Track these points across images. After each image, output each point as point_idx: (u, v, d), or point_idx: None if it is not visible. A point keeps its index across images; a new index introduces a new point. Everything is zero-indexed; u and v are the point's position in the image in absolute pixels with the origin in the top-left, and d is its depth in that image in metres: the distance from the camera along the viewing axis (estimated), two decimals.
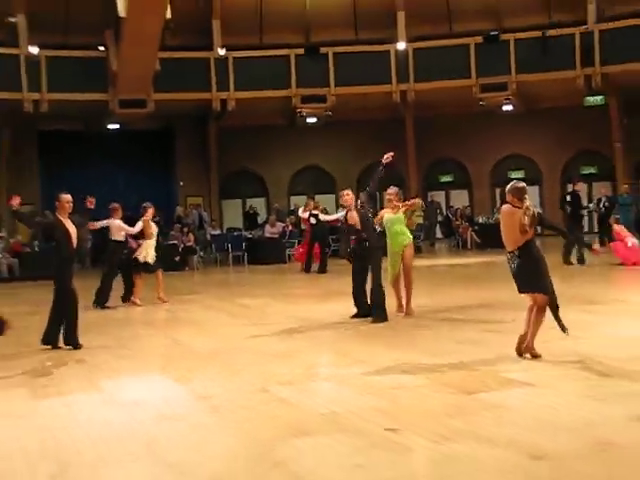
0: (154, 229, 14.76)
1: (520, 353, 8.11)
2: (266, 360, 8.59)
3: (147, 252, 14.44)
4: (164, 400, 7.08)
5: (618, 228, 17.99)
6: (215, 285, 18.57)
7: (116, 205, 14.74)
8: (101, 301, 14.27)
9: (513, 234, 7.98)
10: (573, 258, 17.88)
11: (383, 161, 11.14)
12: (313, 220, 20.04)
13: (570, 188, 19.00)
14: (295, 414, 6.34)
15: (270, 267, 22.36)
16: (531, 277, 8.04)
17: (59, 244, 9.87)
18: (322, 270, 19.66)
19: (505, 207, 8.10)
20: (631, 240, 17.52)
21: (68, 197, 9.93)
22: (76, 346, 9.89)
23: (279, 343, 9.63)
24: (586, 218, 27.26)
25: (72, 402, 7.15)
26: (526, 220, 7.80)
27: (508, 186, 8.14)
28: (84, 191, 26.66)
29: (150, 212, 14.66)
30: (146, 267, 14.50)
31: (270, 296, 14.75)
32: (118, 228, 14.50)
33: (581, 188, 18.46)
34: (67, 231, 9.87)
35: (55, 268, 9.94)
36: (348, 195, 11.48)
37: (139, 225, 14.53)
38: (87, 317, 13.27)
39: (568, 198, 18.26)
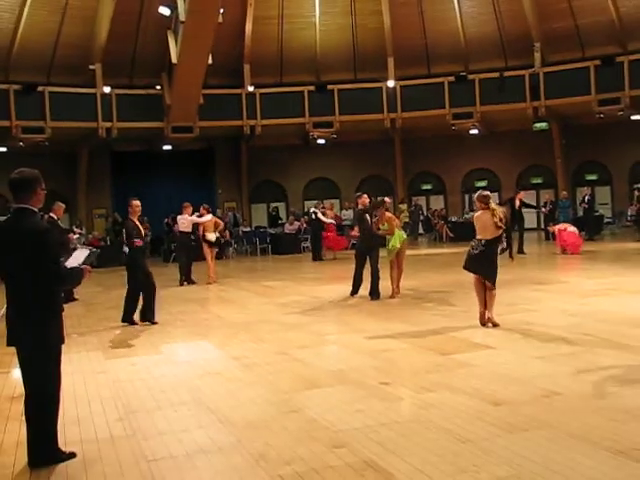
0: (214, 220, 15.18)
1: (483, 323, 8.10)
2: (285, 329, 8.60)
3: (212, 235, 14.76)
4: (206, 360, 7.10)
5: (555, 228, 17.87)
6: (245, 271, 18.60)
7: (186, 203, 14.95)
8: (187, 278, 14.74)
9: (489, 229, 8.02)
10: (526, 249, 17.75)
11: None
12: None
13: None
14: (309, 371, 6.35)
15: (288, 257, 22.34)
16: (486, 265, 8.08)
17: (131, 239, 9.55)
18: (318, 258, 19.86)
19: (477, 212, 8.20)
20: (568, 228, 17.41)
21: (137, 202, 9.82)
22: (152, 322, 9.53)
23: (295, 316, 9.61)
24: (535, 217, 27.35)
25: (137, 362, 7.18)
26: (497, 218, 7.93)
27: (476, 194, 8.20)
28: (145, 198, 27.01)
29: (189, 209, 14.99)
30: (212, 244, 14.84)
31: (289, 279, 14.74)
32: (189, 221, 14.78)
33: (522, 196, 18.25)
34: (138, 228, 9.82)
35: (130, 258, 9.65)
36: (367, 199, 11.34)
37: (206, 217, 14.82)
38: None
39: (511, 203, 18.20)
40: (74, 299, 12.46)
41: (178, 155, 26.88)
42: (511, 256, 15.86)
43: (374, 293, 10.81)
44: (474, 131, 26.60)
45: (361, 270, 11.13)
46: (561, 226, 17.69)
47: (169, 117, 24.65)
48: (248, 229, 26.35)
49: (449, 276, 13.57)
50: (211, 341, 8.12)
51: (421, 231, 28.08)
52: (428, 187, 30.13)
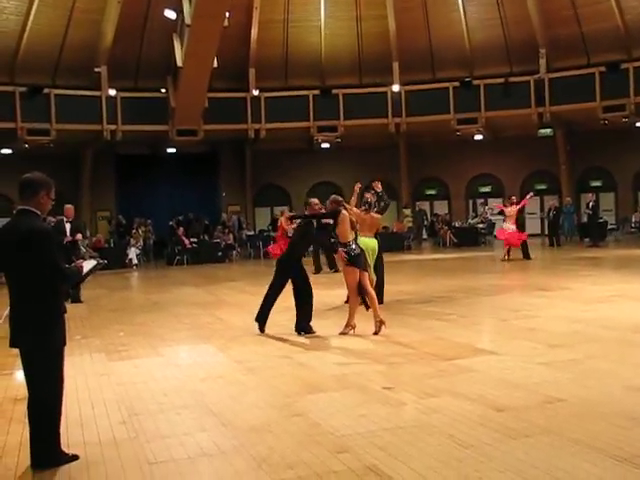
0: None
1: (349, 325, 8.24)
2: (288, 333, 8.57)
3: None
4: (209, 363, 7.10)
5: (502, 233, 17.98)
6: (249, 274, 18.62)
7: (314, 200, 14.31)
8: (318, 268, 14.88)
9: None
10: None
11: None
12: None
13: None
14: (312, 375, 6.34)
15: None
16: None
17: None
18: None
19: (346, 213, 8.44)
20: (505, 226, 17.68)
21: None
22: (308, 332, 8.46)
23: None
24: (539, 222, 27.30)
25: (140, 364, 7.18)
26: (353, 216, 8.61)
27: (331, 197, 8.56)
28: (149, 201, 27.11)
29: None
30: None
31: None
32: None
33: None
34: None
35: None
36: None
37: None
38: (151, 298, 13.35)
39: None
40: (80, 301, 12.48)
41: (182, 158, 26.95)
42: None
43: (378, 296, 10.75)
44: (479, 136, 26.63)
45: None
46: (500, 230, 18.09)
47: (174, 120, 24.73)
48: (252, 233, 26.37)
49: (452, 281, 13.55)
50: (214, 344, 8.12)
51: (425, 236, 28.09)
52: (432, 192, 30.14)
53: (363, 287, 8.30)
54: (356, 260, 8.24)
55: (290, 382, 6.06)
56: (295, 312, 8.66)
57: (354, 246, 8.31)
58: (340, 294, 12.00)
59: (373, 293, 8.47)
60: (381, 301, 10.74)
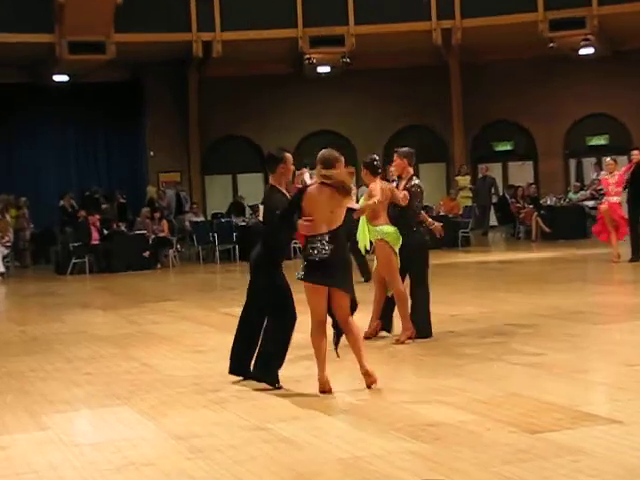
0: None
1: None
2: (263, 387, 8.56)
3: None
4: (130, 440, 7.06)
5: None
6: (196, 289, 18.50)
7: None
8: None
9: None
10: None
11: None
12: None
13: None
14: (303, 458, 6.31)
15: None
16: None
17: None
18: None
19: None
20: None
21: None
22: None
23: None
24: None
25: (9, 445, 7.13)
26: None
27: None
28: (26, 165, 27.08)
29: None
30: None
31: None
32: None
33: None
34: None
35: None
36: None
37: None
38: (28, 331, 13.32)
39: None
40: None
41: (79, 92, 26.90)
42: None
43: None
44: (587, 50, 26.54)
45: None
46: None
47: (63, 26, 24.56)
48: (200, 218, 26.36)
49: (539, 299, 13.57)
50: (136, 408, 8.10)
51: (493, 222, 28.11)
52: (506, 147, 30.20)
53: (339, 319, 8.26)
54: (313, 271, 8.19)
55: (266, 471, 6.03)
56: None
57: (320, 245, 8.21)
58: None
59: (358, 331, 8.45)
60: (429, 333, 10.75)
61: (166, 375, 9.53)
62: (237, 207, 27.63)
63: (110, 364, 10.34)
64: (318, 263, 8.12)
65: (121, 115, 28.40)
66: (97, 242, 22.60)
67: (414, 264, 10.77)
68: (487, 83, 27.99)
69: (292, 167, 9.11)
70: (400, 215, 10.57)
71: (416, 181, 10.90)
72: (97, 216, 23.10)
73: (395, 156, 11.11)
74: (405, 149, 11.15)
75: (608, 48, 26.75)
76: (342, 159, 8.43)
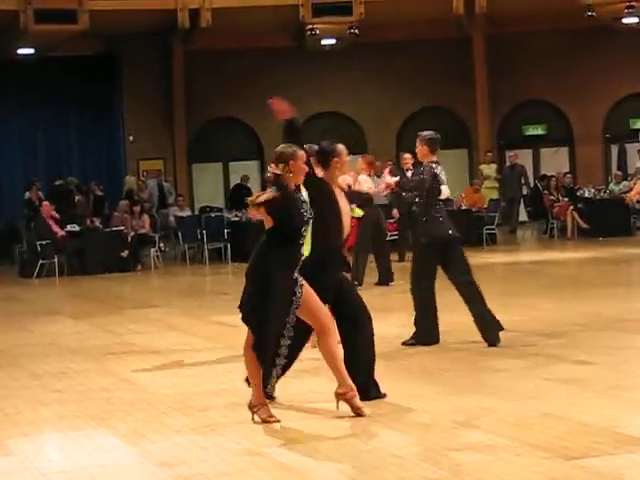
0: None
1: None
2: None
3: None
4: (105, 467, 7.07)
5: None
6: (181, 294, 18.54)
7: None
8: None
9: None
10: None
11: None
12: None
13: None
14: None
15: None
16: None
17: None
18: None
19: None
20: None
21: None
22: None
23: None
24: None
25: None
26: None
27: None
28: None
29: None
30: None
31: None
32: None
33: None
34: None
35: None
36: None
37: None
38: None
39: None
40: None
41: (48, 67, 26.94)
42: None
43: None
44: (632, 19, 26.47)
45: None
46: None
47: None
48: (187, 213, 26.41)
49: (575, 306, 13.61)
50: (114, 430, 8.12)
51: (524, 217, 28.13)
52: (538, 132, 30.24)
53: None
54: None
55: None
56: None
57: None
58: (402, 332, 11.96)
59: (335, 349, 8.27)
60: (436, 339, 10.78)
61: (148, 393, 9.57)
62: (240, 193, 27.42)
63: (84, 380, 10.37)
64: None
65: (95, 94, 28.40)
66: (62, 235, 22.42)
67: (412, 259, 10.96)
68: (516, 58, 28.01)
69: (348, 159, 9.05)
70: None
71: (426, 168, 10.93)
72: (46, 203, 22.85)
73: (417, 141, 11.17)
74: (427, 133, 11.17)
75: None
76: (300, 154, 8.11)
